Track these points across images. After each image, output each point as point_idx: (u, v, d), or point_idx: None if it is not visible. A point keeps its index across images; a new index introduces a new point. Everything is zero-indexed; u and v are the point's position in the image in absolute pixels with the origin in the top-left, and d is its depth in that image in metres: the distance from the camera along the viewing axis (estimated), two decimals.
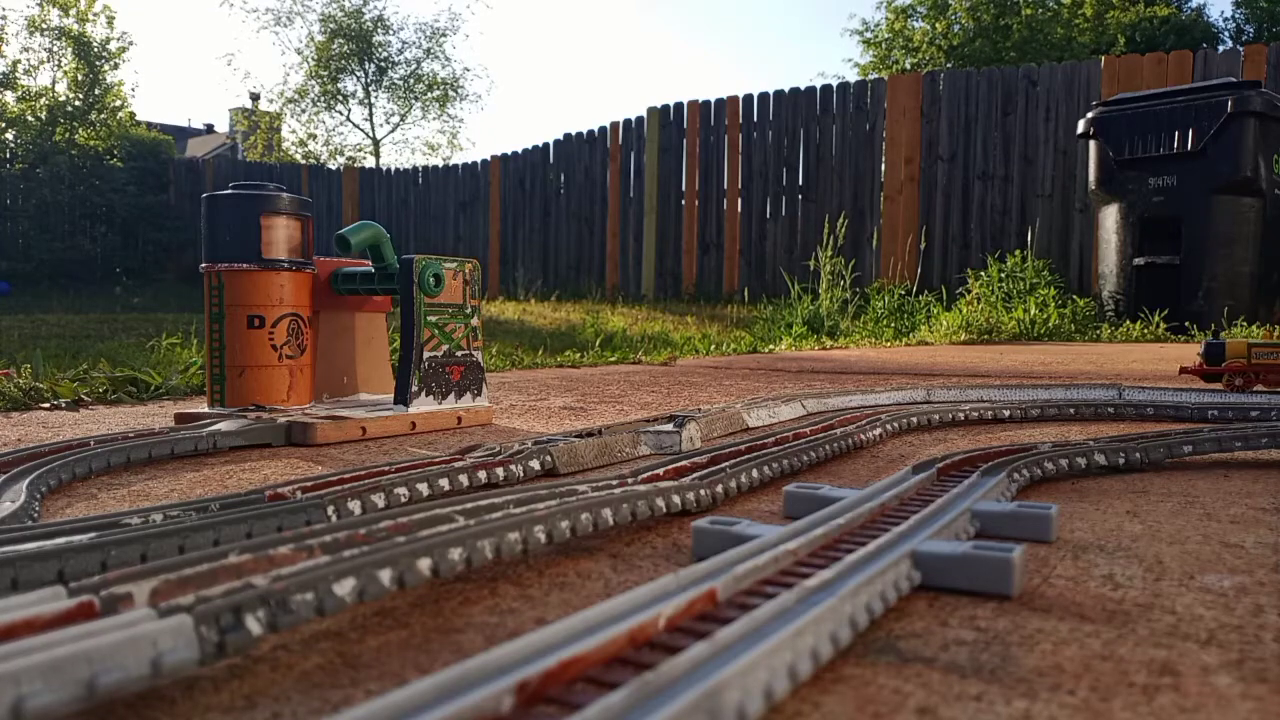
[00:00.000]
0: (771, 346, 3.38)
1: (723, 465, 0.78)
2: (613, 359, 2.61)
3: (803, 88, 6.50)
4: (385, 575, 0.45)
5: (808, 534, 0.52)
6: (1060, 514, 0.64)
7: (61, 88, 11.72)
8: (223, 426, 0.99)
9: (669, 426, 1.01)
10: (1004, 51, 11.40)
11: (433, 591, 0.51)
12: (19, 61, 11.62)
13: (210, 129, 24.32)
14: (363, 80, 14.53)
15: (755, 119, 6.66)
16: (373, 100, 14.65)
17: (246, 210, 1.12)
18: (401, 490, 0.67)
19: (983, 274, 4.84)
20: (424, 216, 9.07)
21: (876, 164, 6.14)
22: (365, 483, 0.66)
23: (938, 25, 12.13)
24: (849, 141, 6.26)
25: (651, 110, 7.11)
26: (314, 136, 14.79)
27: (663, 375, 2.05)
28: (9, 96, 11.34)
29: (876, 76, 7.33)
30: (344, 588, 0.43)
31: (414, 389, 1.13)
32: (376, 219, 8.95)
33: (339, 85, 14.53)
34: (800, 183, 6.47)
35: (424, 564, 0.47)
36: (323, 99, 14.59)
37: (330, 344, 1.26)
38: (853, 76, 12.26)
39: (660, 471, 0.73)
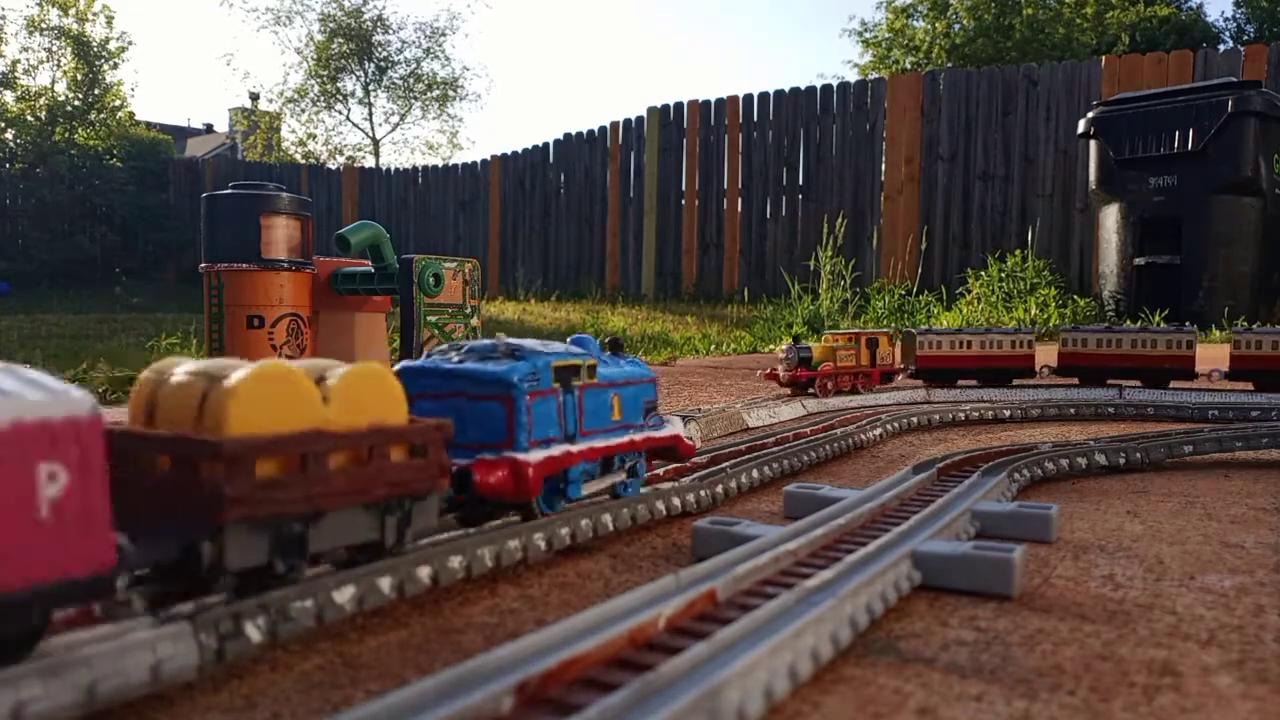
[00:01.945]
0: (771, 346, 3.38)
1: (723, 465, 0.78)
2: None
3: (803, 88, 6.50)
4: (385, 583, 0.45)
5: (808, 534, 0.52)
6: (1060, 514, 0.64)
7: (61, 87, 11.72)
8: None
9: None
10: (1005, 51, 11.39)
11: (433, 591, 0.51)
12: (19, 61, 11.62)
13: (210, 129, 24.26)
14: (362, 80, 14.49)
15: (755, 119, 6.66)
16: (372, 100, 14.62)
17: (246, 210, 1.12)
18: None
19: (983, 274, 4.84)
20: (424, 216, 9.06)
21: (876, 164, 6.13)
22: None
23: (938, 25, 12.12)
24: (849, 141, 6.25)
25: (651, 110, 7.10)
26: (314, 136, 14.75)
27: (663, 375, 2.05)
28: (9, 96, 11.33)
29: (876, 76, 7.32)
30: (344, 595, 0.43)
31: None
32: (376, 219, 8.90)
33: (338, 85, 14.50)
34: (800, 182, 6.46)
35: (424, 572, 0.47)
36: (322, 99, 14.55)
37: (330, 344, 1.26)
38: (852, 77, 12.24)
39: (660, 472, 0.73)
